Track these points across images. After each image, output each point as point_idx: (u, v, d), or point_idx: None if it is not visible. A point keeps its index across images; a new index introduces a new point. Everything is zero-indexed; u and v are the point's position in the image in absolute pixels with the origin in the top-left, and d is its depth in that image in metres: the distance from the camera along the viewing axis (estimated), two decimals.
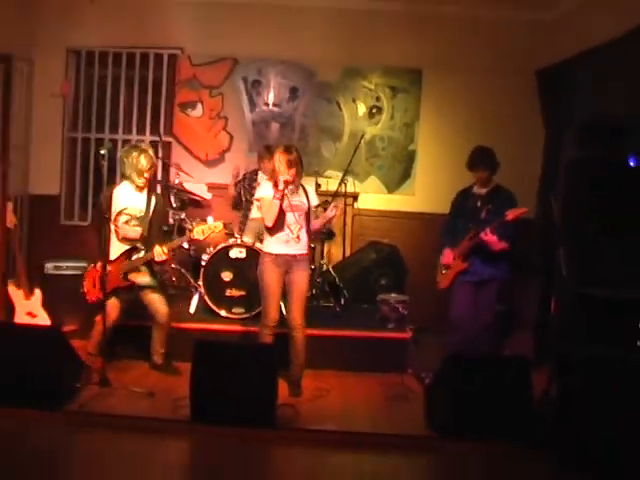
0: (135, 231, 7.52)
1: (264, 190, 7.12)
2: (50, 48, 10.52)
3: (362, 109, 10.55)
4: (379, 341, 8.25)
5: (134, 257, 7.52)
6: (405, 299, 8.62)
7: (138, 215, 7.51)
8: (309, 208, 7.17)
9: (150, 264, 7.59)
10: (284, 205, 6.99)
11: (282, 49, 10.40)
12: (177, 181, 9.64)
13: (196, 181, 10.03)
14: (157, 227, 7.67)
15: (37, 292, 8.27)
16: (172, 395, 6.85)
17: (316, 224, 7.30)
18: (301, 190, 7.18)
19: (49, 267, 9.11)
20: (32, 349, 6.55)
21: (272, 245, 7.11)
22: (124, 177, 7.52)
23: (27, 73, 10.39)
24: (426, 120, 10.47)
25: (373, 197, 10.42)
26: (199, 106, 10.68)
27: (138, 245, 7.54)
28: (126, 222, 7.41)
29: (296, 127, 10.58)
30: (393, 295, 8.73)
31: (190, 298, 8.97)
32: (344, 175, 9.56)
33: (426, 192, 9.98)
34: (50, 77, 10.60)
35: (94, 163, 10.63)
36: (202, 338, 6.98)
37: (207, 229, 7.48)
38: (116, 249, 7.44)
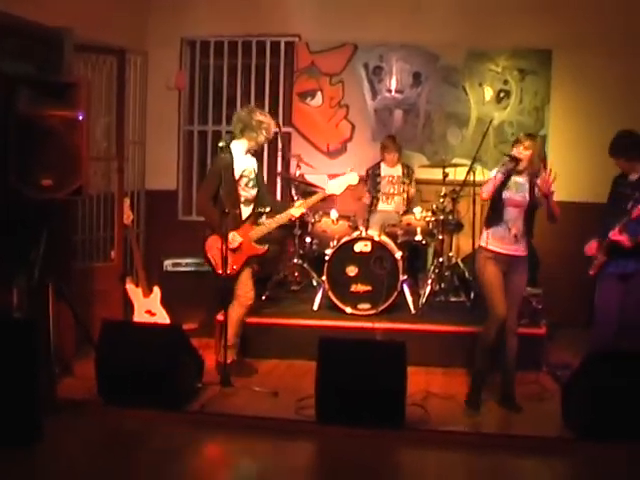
0: (252, 193, 7.61)
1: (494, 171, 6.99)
2: (164, 39, 10.70)
3: (489, 93, 10.38)
4: None
5: (263, 220, 7.65)
6: (538, 292, 8.45)
7: (252, 176, 7.59)
8: (531, 204, 6.87)
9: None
10: (504, 195, 6.80)
11: (403, 33, 10.30)
12: (298, 173, 9.68)
13: (318, 172, 10.08)
14: (264, 186, 7.84)
15: (156, 290, 8.42)
16: (296, 395, 6.86)
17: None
18: (527, 184, 6.88)
19: (168, 264, 9.21)
20: (152, 348, 6.67)
21: (489, 240, 6.91)
22: (241, 136, 7.55)
23: (141, 66, 10.56)
24: (557, 103, 10.21)
25: None
26: (319, 95, 10.71)
27: (262, 209, 7.67)
28: (246, 184, 7.51)
29: (420, 114, 10.49)
30: (526, 288, 8.53)
31: (313, 294, 8.97)
32: (472, 163, 9.16)
33: (558, 179, 9.53)
34: (164, 69, 10.77)
35: (212, 157, 10.59)
36: (327, 335, 6.92)
37: (344, 183, 7.56)
38: (244, 214, 7.56)
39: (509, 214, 6.82)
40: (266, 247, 7.60)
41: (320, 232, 9.41)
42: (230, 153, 7.48)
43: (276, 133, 9.19)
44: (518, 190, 6.83)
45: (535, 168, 6.83)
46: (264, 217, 7.66)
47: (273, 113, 9.64)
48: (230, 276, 7.34)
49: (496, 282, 6.84)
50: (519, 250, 6.91)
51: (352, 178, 7.64)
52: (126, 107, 9.34)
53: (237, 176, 7.49)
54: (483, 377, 6.99)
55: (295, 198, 9.40)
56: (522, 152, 6.78)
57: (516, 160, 6.75)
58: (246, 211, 7.59)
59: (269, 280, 9.45)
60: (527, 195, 6.82)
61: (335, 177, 7.86)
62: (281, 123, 10.52)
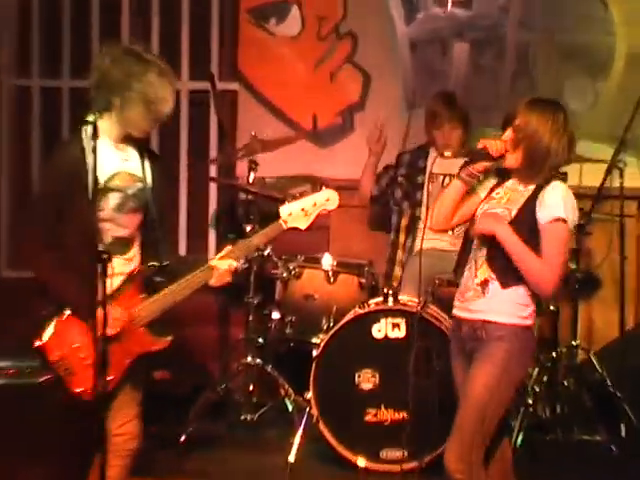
0: (133, 220, 5.99)
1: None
2: None
3: None
4: None
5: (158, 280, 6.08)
6: None
7: (130, 190, 5.95)
8: (533, 230, 5.44)
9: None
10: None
11: None
12: (252, 176, 8.27)
13: (290, 172, 8.91)
14: (162, 213, 6.22)
15: None
16: None
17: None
18: (523, 191, 5.60)
19: None
20: None
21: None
22: (102, 112, 5.69)
23: None
24: None
25: None
26: (293, 12, 9.11)
27: (154, 263, 6.04)
28: (119, 206, 5.80)
29: (507, 49, 9.01)
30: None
31: (287, 430, 7.69)
32: (617, 152, 7.86)
33: None
34: None
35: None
36: None
37: (314, 207, 5.96)
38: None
39: (476, 244, 5.90)
40: (169, 338, 5.93)
41: (300, 299, 8.02)
42: (79, 146, 5.75)
43: (205, 94, 8.87)
44: (493, 202, 5.80)
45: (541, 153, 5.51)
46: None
47: (190, 58, 9.33)
48: (102, 397, 5.60)
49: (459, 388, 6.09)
50: (488, 310, 5.60)
51: (331, 200, 6.05)
52: None
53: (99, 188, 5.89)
54: None
55: (248, 229, 8.25)
56: (506, 135, 5.59)
57: (485, 156, 5.66)
58: (118, 263, 5.73)
59: (194, 401, 8.03)
60: (513, 209, 5.67)
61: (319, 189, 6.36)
62: (215, 74, 9.09)
